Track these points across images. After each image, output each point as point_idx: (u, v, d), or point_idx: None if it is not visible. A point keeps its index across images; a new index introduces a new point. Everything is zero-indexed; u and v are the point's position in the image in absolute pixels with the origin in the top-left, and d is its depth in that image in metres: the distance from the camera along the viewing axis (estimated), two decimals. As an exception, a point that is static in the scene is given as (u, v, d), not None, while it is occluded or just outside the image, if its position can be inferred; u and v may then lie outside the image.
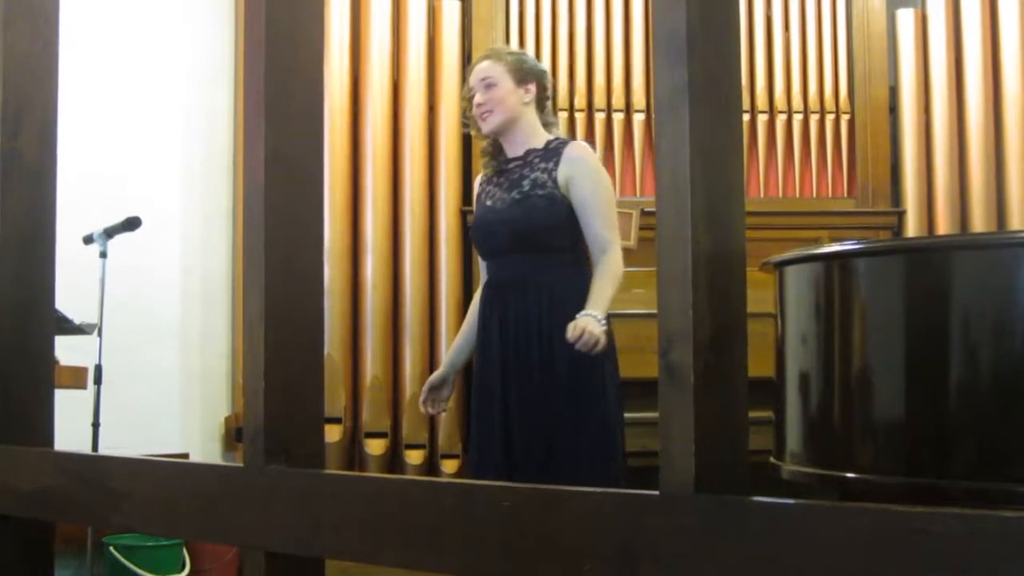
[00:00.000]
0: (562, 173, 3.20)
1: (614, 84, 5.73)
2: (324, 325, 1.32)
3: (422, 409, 3.43)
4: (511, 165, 3.31)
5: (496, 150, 3.36)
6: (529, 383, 3.15)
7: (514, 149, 3.32)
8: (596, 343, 3.00)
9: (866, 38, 5.76)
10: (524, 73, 3.30)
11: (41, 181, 1.57)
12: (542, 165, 3.23)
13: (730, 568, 0.90)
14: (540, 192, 3.19)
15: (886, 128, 5.76)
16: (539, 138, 3.30)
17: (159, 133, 5.23)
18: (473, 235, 3.41)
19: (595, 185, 3.21)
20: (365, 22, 5.61)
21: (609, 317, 3.27)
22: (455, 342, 3.50)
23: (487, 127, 3.28)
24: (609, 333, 3.24)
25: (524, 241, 3.20)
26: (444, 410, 3.52)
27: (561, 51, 5.73)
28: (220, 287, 5.50)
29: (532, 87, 3.30)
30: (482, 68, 3.31)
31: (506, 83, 3.27)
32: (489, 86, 3.27)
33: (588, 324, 3.01)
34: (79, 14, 4.65)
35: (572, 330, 3.00)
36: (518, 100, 3.28)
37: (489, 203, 3.30)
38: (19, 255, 1.54)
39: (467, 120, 3.41)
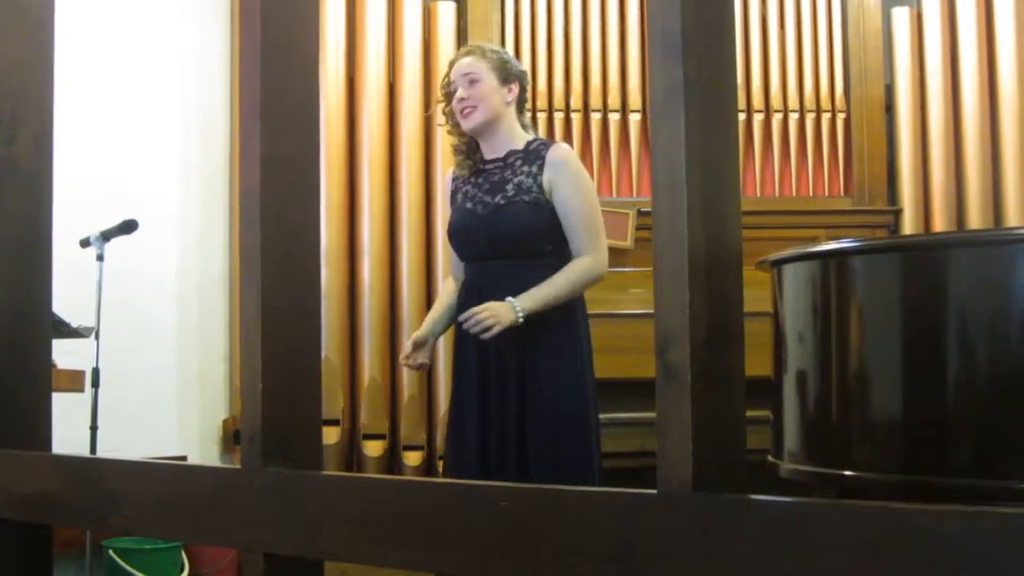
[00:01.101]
0: (546, 178, 3.16)
1: (610, 84, 5.73)
2: (321, 327, 1.32)
3: (403, 362, 3.36)
4: (490, 166, 3.27)
5: (471, 149, 3.32)
6: (507, 390, 3.13)
7: (493, 150, 3.28)
8: (486, 329, 3.04)
9: (862, 36, 5.77)
10: (507, 72, 3.26)
11: (37, 184, 1.57)
12: (525, 168, 3.19)
13: (729, 567, 0.90)
14: (525, 198, 3.16)
15: (882, 127, 5.77)
16: (519, 139, 3.27)
17: (155, 136, 5.23)
18: (451, 238, 3.33)
19: (577, 191, 3.19)
20: (360, 24, 5.61)
21: (586, 318, 3.26)
22: (433, 311, 3.43)
23: (469, 124, 3.24)
24: (585, 334, 3.23)
25: (506, 247, 3.17)
26: (426, 366, 3.41)
27: (557, 51, 5.73)
28: (217, 289, 5.49)
29: (515, 87, 3.27)
30: (465, 63, 3.26)
31: (489, 80, 3.23)
32: (472, 82, 3.23)
33: (496, 309, 3.05)
34: (74, 17, 4.65)
35: (480, 309, 3.05)
36: (501, 99, 3.24)
37: (469, 205, 3.25)
38: (16, 259, 1.54)
39: (445, 115, 3.35)
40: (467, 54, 3.31)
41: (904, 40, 5.78)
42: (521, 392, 3.11)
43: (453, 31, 5.68)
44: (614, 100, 5.71)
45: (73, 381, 3.73)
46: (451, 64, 3.35)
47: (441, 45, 5.64)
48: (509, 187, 3.19)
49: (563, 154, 3.23)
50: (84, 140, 4.78)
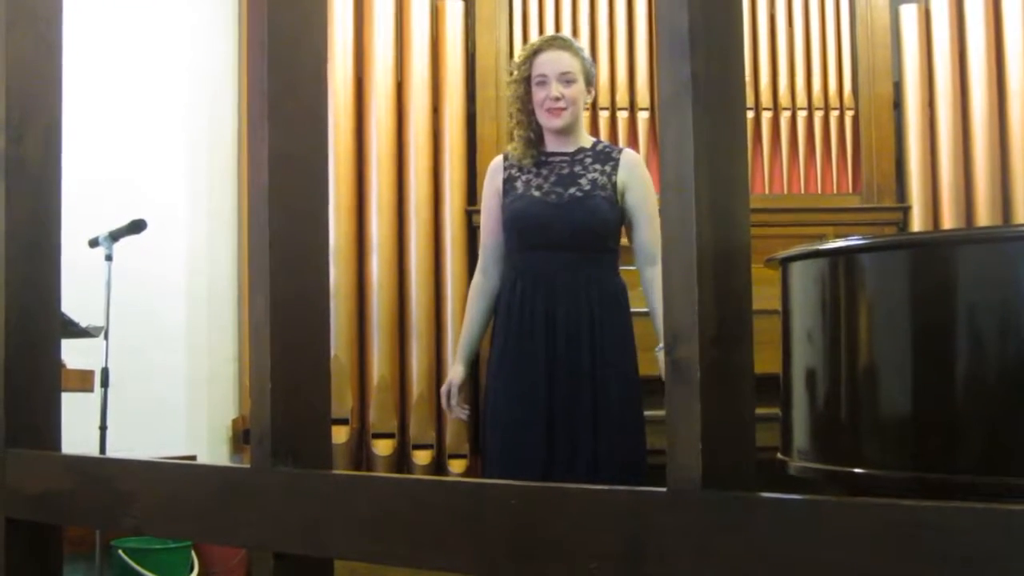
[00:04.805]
0: (620, 179, 3.23)
1: (618, 82, 5.72)
2: (331, 326, 1.32)
3: (454, 414, 3.40)
4: (556, 159, 3.29)
5: (538, 138, 3.34)
6: (579, 391, 3.13)
7: (561, 144, 3.31)
8: None
9: (870, 34, 5.75)
10: (591, 77, 3.33)
11: (45, 185, 1.57)
12: (597, 167, 3.24)
13: (738, 564, 0.90)
14: (602, 194, 3.21)
15: (891, 124, 5.76)
16: (586, 138, 3.34)
17: (163, 135, 5.24)
18: (517, 223, 3.28)
19: (648, 194, 3.28)
20: (368, 23, 5.61)
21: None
22: (465, 339, 3.41)
23: (558, 122, 3.26)
24: (632, 333, 3.27)
25: (582, 239, 3.20)
26: (468, 411, 3.48)
27: (564, 50, 5.72)
28: (226, 289, 5.50)
29: (592, 91, 3.35)
30: (564, 60, 3.27)
31: (581, 82, 3.29)
32: (569, 82, 3.25)
33: None
34: (82, 17, 4.66)
35: None
36: (584, 102, 3.34)
37: (538, 194, 3.25)
38: (24, 259, 1.54)
39: (517, 100, 3.32)
40: (563, 49, 3.30)
41: (912, 37, 5.76)
42: (592, 395, 3.12)
43: (461, 30, 5.68)
44: (622, 98, 5.71)
45: (82, 381, 3.74)
46: (536, 51, 3.32)
47: (449, 44, 5.64)
48: (583, 181, 3.23)
49: (637, 159, 3.34)
50: (93, 140, 4.79)
